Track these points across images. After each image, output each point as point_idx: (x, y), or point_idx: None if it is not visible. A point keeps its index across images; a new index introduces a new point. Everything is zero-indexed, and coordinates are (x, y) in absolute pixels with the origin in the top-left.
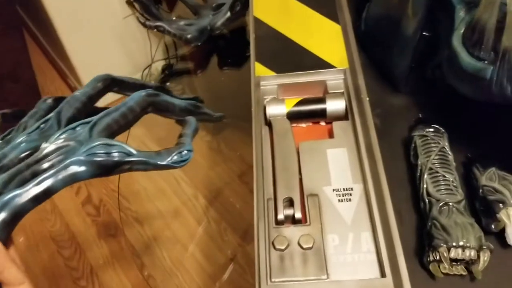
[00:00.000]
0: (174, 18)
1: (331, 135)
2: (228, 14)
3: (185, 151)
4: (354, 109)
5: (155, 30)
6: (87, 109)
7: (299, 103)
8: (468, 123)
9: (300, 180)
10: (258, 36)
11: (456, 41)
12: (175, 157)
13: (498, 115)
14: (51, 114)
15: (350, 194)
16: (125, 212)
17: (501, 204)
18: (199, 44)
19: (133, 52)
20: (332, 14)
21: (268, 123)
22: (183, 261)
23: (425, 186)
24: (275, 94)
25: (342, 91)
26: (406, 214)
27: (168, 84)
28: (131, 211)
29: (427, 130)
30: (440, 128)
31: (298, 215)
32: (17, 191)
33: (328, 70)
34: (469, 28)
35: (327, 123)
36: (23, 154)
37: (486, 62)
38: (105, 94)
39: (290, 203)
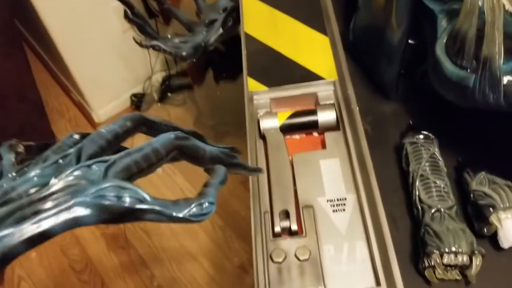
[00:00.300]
0: (169, 36)
1: (324, 145)
2: (220, 30)
3: (207, 203)
4: (344, 120)
5: (151, 49)
6: (112, 148)
7: (292, 116)
8: (458, 128)
9: (295, 191)
10: (249, 52)
11: (439, 50)
12: (194, 209)
13: (486, 120)
14: (72, 150)
15: (344, 204)
16: (133, 224)
17: (491, 208)
18: (194, 60)
19: (134, 65)
20: (320, 26)
21: (263, 137)
22: (191, 270)
23: (417, 192)
24: (268, 108)
25: (332, 102)
26: (400, 220)
27: (169, 94)
28: (138, 223)
29: (417, 137)
30: (430, 134)
31: (294, 227)
32: (10, 230)
33: (318, 82)
34: (451, 37)
35: (319, 133)
36: (33, 190)
37: (468, 70)
38: (134, 134)
39: (286, 215)
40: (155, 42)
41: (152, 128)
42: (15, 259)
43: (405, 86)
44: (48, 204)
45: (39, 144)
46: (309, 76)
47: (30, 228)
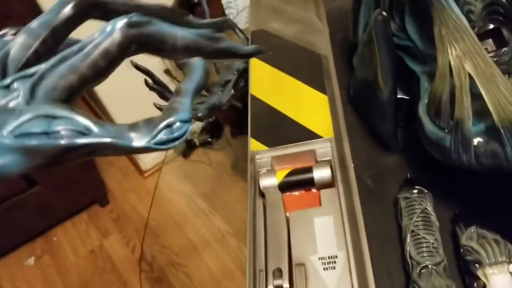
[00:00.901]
0: None
1: (320, 202)
2: (232, 91)
3: (178, 123)
4: (337, 177)
5: None
6: (52, 50)
7: (289, 174)
8: (454, 181)
9: (290, 249)
10: (254, 113)
11: (421, 110)
12: (161, 135)
13: (481, 174)
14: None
15: (335, 262)
16: (176, 268)
17: (477, 264)
18: (210, 120)
19: None
20: (319, 85)
21: (263, 195)
22: None
23: (408, 248)
24: (269, 166)
25: (329, 159)
26: (396, 276)
27: (209, 139)
28: (180, 266)
29: (411, 191)
30: (424, 189)
31: (286, 285)
32: None
33: (316, 140)
34: (430, 98)
35: (317, 189)
36: None
37: (446, 131)
38: (80, 24)
39: (280, 273)
40: None
41: (107, 10)
42: None
43: (406, 138)
44: None
45: None
46: (308, 135)
47: None
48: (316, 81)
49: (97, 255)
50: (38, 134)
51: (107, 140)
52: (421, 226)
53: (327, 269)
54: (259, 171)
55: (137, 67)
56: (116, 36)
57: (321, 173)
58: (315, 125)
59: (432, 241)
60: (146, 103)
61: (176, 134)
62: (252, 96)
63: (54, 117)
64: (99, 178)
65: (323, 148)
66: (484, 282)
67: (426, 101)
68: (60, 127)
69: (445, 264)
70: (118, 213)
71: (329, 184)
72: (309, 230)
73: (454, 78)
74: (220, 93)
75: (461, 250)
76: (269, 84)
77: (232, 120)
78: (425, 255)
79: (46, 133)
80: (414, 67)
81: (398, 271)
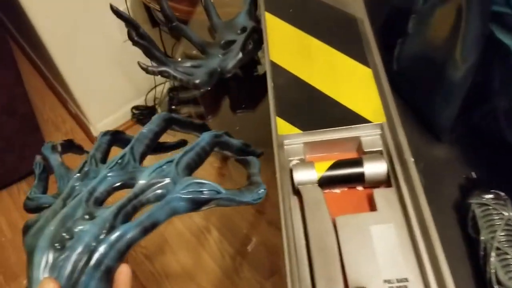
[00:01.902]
0: (179, 59)
1: (372, 204)
2: (240, 55)
3: (261, 190)
4: (398, 174)
5: (159, 75)
6: (153, 144)
7: (332, 167)
8: None
9: (342, 267)
10: (276, 85)
11: None
12: (255, 195)
13: None
14: (126, 150)
15: (406, 287)
16: (135, 249)
17: None
18: (209, 88)
19: (135, 75)
20: (359, 55)
21: (296, 191)
22: None
23: (493, 270)
24: (301, 154)
25: (379, 149)
26: None
27: (173, 107)
28: (140, 247)
29: (486, 197)
30: (501, 193)
31: None
32: (130, 224)
33: (362, 126)
34: None
35: (365, 187)
36: (111, 188)
37: None
38: (166, 131)
39: None
40: (163, 68)
41: (182, 125)
42: (133, 247)
43: (462, 127)
44: (145, 200)
45: (65, 141)
46: (350, 117)
47: (145, 221)
48: (354, 49)
49: None
50: (196, 191)
51: (230, 197)
52: (506, 242)
53: None
54: (289, 160)
55: (118, 14)
56: (210, 141)
57: (374, 168)
58: (359, 105)
59: None
60: (108, 79)
61: (261, 195)
62: (273, 63)
63: (202, 183)
64: (43, 142)
65: (370, 136)
66: None
67: None
68: (205, 189)
69: None
70: None
71: (383, 181)
72: (365, 242)
73: None
74: (221, 55)
75: None
76: (293, 49)
77: (232, 90)
78: None
79: (200, 192)
80: (507, 41)
81: None
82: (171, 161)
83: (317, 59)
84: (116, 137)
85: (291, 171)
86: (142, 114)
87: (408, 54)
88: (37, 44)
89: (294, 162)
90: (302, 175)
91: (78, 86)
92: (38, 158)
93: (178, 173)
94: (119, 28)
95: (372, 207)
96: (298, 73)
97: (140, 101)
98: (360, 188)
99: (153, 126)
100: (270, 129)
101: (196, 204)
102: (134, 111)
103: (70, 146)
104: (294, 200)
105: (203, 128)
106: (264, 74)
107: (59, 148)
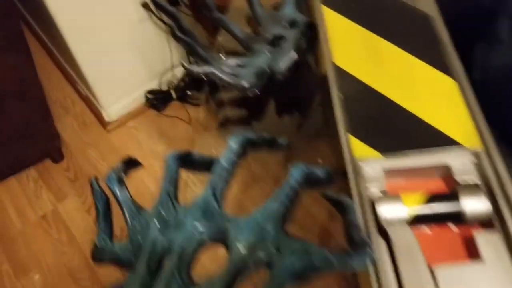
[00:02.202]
0: (224, 58)
1: (472, 250)
2: (294, 54)
3: (368, 252)
4: (505, 214)
5: (204, 77)
6: (233, 177)
7: (424, 203)
8: None
9: None
10: (344, 95)
11: None
12: (364, 259)
13: None
14: (207, 193)
15: None
16: None
17: None
18: (258, 92)
19: (150, 58)
20: (438, 61)
21: (380, 229)
22: None
23: None
24: (380, 181)
25: (474, 180)
26: None
27: (188, 92)
28: None
29: None
30: None
31: None
32: None
33: (451, 148)
34: None
35: (460, 226)
36: (201, 247)
37: None
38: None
39: None
40: (210, 70)
41: (258, 146)
42: None
43: None
44: (251, 269)
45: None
46: (435, 137)
47: None
48: (431, 54)
49: (50, 222)
50: (303, 267)
51: (336, 262)
52: None
53: None
54: (367, 188)
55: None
56: (300, 179)
57: (474, 205)
58: (443, 122)
59: None
60: (121, 60)
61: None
62: (337, 68)
63: (309, 253)
64: (53, 127)
65: (462, 163)
66: None
67: None
68: (315, 260)
69: None
70: (76, 172)
71: (484, 222)
72: None
73: None
74: (268, 53)
75: None
76: (360, 52)
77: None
78: None
79: (310, 268)
80: None
81: None
82: (265, 213)
83: (389, 65)
84: (186, 161)
85: (372, 204)
86: (156, 99)
87: (500, 64)
88: (47, 20)
89: (373, 191)
90: (388, 211)
91: (89, 67)
92: (97, 188)
93: (277, 232)
94: (135, 8)
95: (473, 253)
96: (368, 82)
97: (153, 84)
98: (451, 225)
99: (231, 155)
100: (330, 142)
101: (304, 272)
102: (149, 95)
103: (128, 169)
104: (380, 241)
105: (277, 146)
106: (319, 78)
107: (124, 178)
